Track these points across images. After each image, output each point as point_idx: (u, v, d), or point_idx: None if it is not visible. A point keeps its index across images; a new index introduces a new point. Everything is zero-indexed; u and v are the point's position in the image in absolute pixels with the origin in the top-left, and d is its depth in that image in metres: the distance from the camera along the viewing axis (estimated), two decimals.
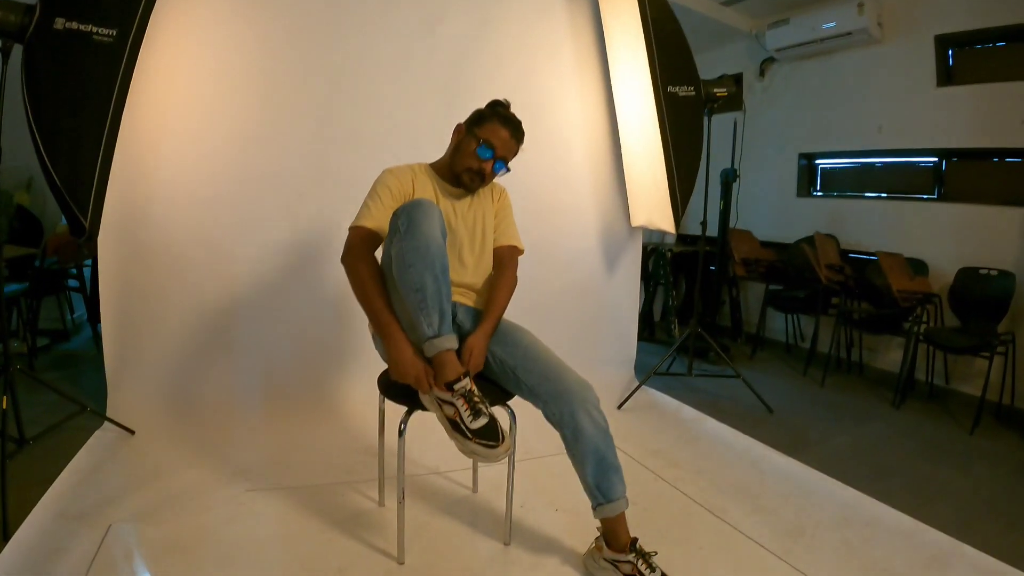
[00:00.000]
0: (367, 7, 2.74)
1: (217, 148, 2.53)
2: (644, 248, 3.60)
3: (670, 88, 2.81)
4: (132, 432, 2.31)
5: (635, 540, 1.52)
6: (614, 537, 1.52)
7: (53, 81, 2.00)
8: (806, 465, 2.37)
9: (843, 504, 2.07)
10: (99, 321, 3.38)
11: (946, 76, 3.80)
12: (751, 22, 4.71)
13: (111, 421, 2.32)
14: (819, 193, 4.59)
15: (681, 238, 4.78)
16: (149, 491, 1.92)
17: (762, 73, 4.78)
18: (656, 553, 1.53)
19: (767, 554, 1.73)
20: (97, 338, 3.60)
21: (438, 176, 1.72)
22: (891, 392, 3.36)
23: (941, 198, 3.91)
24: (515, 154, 1.73)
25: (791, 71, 4.62)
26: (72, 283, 3.71)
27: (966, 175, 3.83)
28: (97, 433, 2.29)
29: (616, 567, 1.51)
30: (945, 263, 3.62)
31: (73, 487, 1.92)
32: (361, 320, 2.60)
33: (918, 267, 3.65)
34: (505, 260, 1.74)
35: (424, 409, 1.49)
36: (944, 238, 3.73)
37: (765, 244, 4.43)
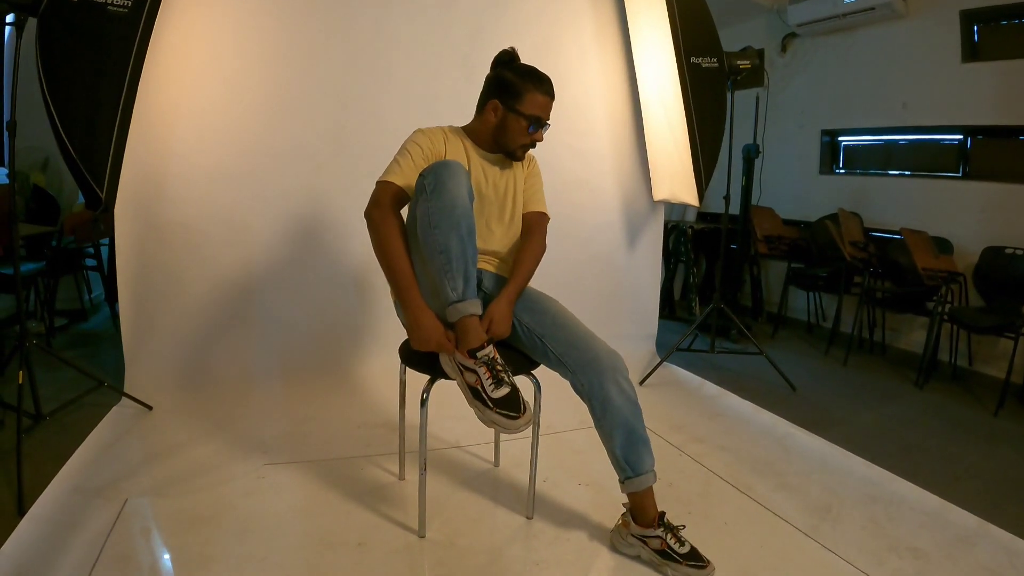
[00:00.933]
0: None
1: (234, 123, 2.47)
2: (664, 225, 3.51)
3: (693, 59, 2.72)
4: (150, 408, 2.29)
5: (663, 514, 1.46)
6: (642, 512, 1.46)
7: (68, 54, 1.96)
8: (831, 443, 2.30)
9: (868, 482, 2.01)
10: (116, 300, 3.37)
11: (971, 52, 3.66)
12: None
13: (128, 396, 2.29)
14: (842, 170, 4.46)
15: (701, 216, 4.67)
16: (167, 465, 1.89)
17: (784, 49, 4.64)
18: (684, 527, 1.47)
19: (794, 531, 1.67)
20: (115, 317, 3.58)
21: (467, 140, 1.64)
22: (914, 372, 3.26)
23: (966, 176, 3.78)
24: (551, 107, 1.64)
25: (813, 47, 4.48)
26: (90, 262, 3.69)
27: (992, 153, 3.70)
28: (115, 409, 2.26)
29: (644, 543, 1.46)
30: (970, 242, 3.51)
31: (90, 462, 1.89)
32: (380, 293, 2.57)
33: (943, 246, 3.55)
34: (534, 226, 1.68)
35: (447, 377, 1.43)
36: (969, 217, 3.61)
37: (787, 222, 4.32)
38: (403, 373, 1.73)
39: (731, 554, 1.52)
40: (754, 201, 4.37)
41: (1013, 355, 2.88)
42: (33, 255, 3.18)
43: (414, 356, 1.50)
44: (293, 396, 2.47)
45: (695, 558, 1.41)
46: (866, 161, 4.36)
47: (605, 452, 1.49)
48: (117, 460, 1.92)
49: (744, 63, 2.91)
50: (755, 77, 3.92)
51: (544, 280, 2.09)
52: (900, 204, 3.97)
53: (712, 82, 2.80)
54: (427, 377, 1.48)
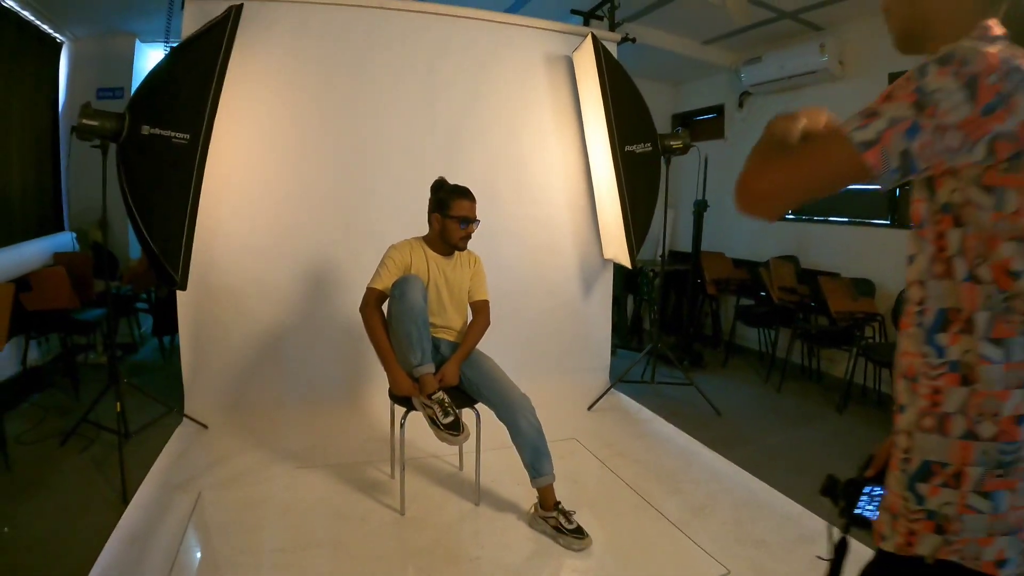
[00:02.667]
0: (381, 90, 3.62)
1: (265, 210, 3.45)
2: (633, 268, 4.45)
3: (627, 147, 3.61)
4: (206, 426, 3.25)
5: (558, 502, 2.36)
6: (544, 500, 2.37)
7: (144, 172, 2.86)
8: (728, 460, 3.15)
9: (748, 491, 2.82)
10: (164, 334, 4.38)
11: None
12: (730, 58, 5.45)
13: (189, 418, 3.26)
14: (791, 216, 5.33)
15: (674, 256, 5.58)
16: (225, 468, 2.84)
17: (741, 104, 5.53)
18: (575, 512, 2.37)
19: (667, 523, 2.50)
20: (162, 349, 4.59)
21: (429, 247, 2.58)
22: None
23: (893, 224, 4.60)
24: (475, 207, 2.55)
25: (765, 103, 5.36)
26: (140, 305, 4.70)
27: None
28: (179, 428, 3.23)
29: (546, 521, 2.36)
30: (892, 284, 4.34)
31: (169, 466, 2.85)
32: None
33: (867, 287, 4.39)
34: (479, 310, 2.61)
35: (415, 410, 2.38)
36: (893, 261, 4.42)
37: (740, 262, 5.19)
38: (392, 406, 2.67)
39: (612, 534, 2.39)
40: (712, 245, 5.27)
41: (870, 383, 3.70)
42: (98, 302, 4.19)
43: (396, 396, 2.44)
44: (314, 417, 3.42)
45: (578, 532, 2.30)
46: (812, 208, 5.23)
47: None
48: (188, 464, 2.87)
49: (676, 143, 3.80)
50: (717, 131, 4.80)
51: (515, 326, 3.37)
52: (837, 248, 4.79)
53: (646, 164, 3.70)
54: (403, 408, 2.42)
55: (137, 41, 5.20)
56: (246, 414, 3.38)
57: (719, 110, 5.82)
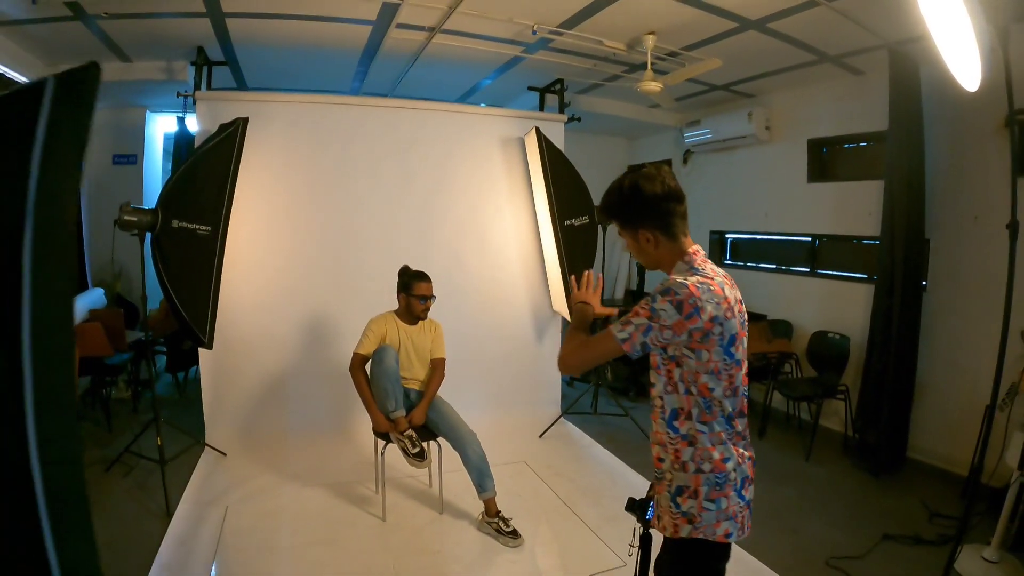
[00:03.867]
0: (362, 173, 4.67)
1: (270, 276, 4.48)
2: None
3: (567, 222, 4.65)
4: (224, 454, 4.26)
5: (499, 511, 3.36)
6: (488, 509, 3.37)
7: (176, 257, 3.84)
8: (646, 479, 4.14)
9: None
10: (177, 370, 5.40)
11: (817, 173, 5.48)
12: (675, 118, 6.53)
13: (210, 447, 4.27)
14: (728, 262, 6.39)
15: (632, 295, 6.64)
16: (244, 487, 3.85)
17: (685, 160, 6.59)
18: (512, 518, 3.38)
19: (585, 528, 3.50)
20: (177, 385, 5.60)
21: (399, 319, 3.60)
22: (767, 426, 5.04)
23: (812, 272, 5.62)
24: (432, 288, 3.56)
25: (705, 161, 6.43)
26: (159, 348, 5.71)
27: (832, 253, 5.45)
28: (203, 456, 4.24)
29: (489, 525, 3.37)
30: (809, 325, 5.35)
31: (199, 486, 3.85)
32: None
33: (786, 328, 5.42)
34: (436, 367, 3.63)
35: (391, 443, 3.39)
36: (812, 305, 5.43)
37: None
38: (375, 439, 3.68)
39: (540, 535, 3.40)
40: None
41: (817, 415, 4.60)
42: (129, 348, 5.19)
43: (376, 432, 3.46)
44: (313, 445, 4.43)
45: (514, 534, 3.30)
46: (747, 255, 6.29)
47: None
48: (214, 485, 3.87)
49: None
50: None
51: (479, 366, 4.52)
52: (766, 292, 5.83)
53: (584, 234, 4.74)
54: (383, 442, 3.45)
55: (147, 112, 6.22)
56: (257, 443, 4.40)
57: (668, 163, 6.89)
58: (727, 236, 6.41)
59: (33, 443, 0.68)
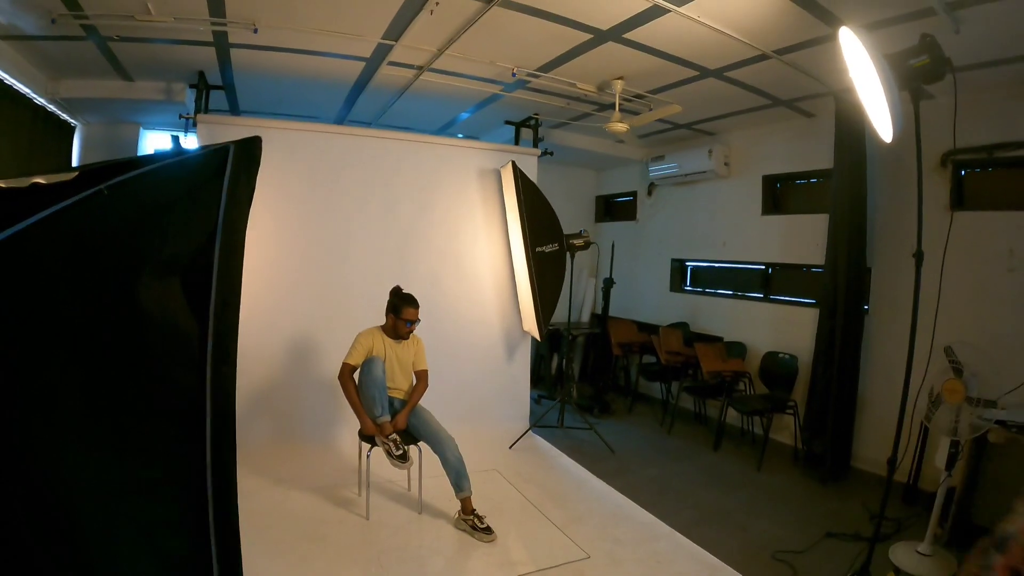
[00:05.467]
0: (350, 199, 5.09)
1: (259, 294, 4.80)
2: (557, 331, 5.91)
3: (538, 248, 5.12)
4: None
5: (475, 510, 3.74)
6: (464, 507, 3.75)
7: None
8: (610, 486, 4.57)
9: (616, 506, 4.24)
10: None
11: (770, 206, 6.07)
12: (641, 152, 7.10)
13: None
14: (688, 288, 6.93)
15: (598, 318, 7.12)
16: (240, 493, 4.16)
17: (649, 192, 7.15)
18: (486, 516, 3.76)
19: (552, 526, 3.89)
20: None
21: (385, 334, 3.99)
22: (722, 440, 5.54)
23: (765, 298, 6.18)
24: (418, 312, 3.98)
25: (668, 193, 7.00)
26: None
27: (783, 280, 6.05)
28: None
29: (465, 522, 3.75)
30: (761, 346, 5.89)
31: None
32: None
33: (738, 349, 5.94)
34: (420, 377, 4.03)
35: (375, 445, 3.76)
36: (764, 328, 5.98)
37: (645, 327, 6.74)
38: (360, 443, 4.04)
39: (511, 532, 3.78)
40: (624, 311, 6.82)
41: (767, 429, 5.12)
42: None
43: (363, 436, 3.83)
44: (299, 452, 4.75)
45: (488, 530, 3.68)
46: (705, 282, 6.84)
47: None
48: None
49: (578, 242, 5.34)
50: (630, 213, 6.36)
51: (454, 382, 4.85)
52: (723, 316, 6.37)
53: (554, 260, 5.22)
54: (368, 445, 3.81)
55: (141, 128, 6.53)
56: (248, 450, 4.64)
57: (634, 194, 7.45)
58: (687, 264, 6.95)
59: (208, 382, 1.08)
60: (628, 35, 3.84)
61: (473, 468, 3.89)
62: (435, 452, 3.81)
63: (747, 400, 5.54)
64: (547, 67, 4.54)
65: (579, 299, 7.72)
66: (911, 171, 4.69)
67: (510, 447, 5.24)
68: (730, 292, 6.52)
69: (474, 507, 3.76)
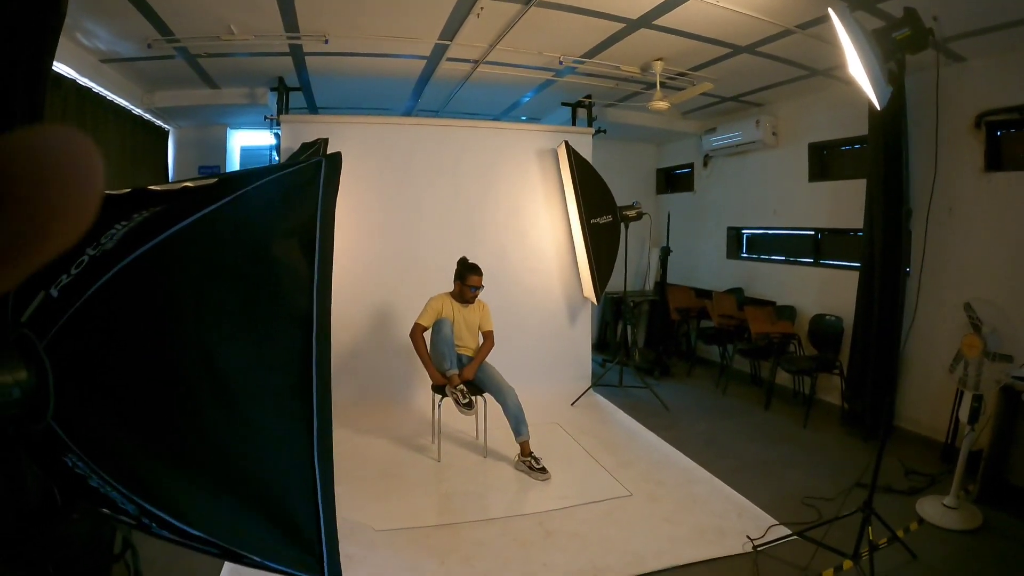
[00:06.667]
0: (421, 182, 5.76)
1: (345, 269, 5.54)
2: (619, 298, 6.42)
3: (592, 220, 5.60)
4: None
5: (532, 452, 4.33)
6: (523, 450, 4.36)
7: None
8: (660, 438, 5.05)
9: (663, 455, 4.73)
10: None
11: (817, 173, 6.28)
12: (696, 126, 7.41)
13: None
14: (745, 255, 7.22)
15: (659, 286, 7.54)
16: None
17: (705, 164, 7.45)
18: (542, 459, 4.33)
19: (602, 470, 4.45)
20: None
21: (453, 299, 4.60)
22: (774, 399, 5.89)
23: (815, 262, 6.41)
24: (482, 279, 4.57)
25: (723, 164, 7.29)
26: None
27: (832, 245, 6.24)
28: None
29: (523, 463, 4.34)
30: (811, 309, 6.15)
31: None
32: None
33: (788, 312, 6.22)
34: (488, 337, 4.65)
35: (445, 396, 4.39)
36: (814, 292, 6.23)
37: (702, 292, 7.10)
38: (433, 396, 4.68)
39: (564, 473, 4.36)
40: (683, 279, 7.19)
41: (812, 388, 5.48)
42: None
43: (434, 387, 4.47)
44: (380, 409, 5.50)
45: (543, 471, 4.27)
46: (760, 248, 7.11)
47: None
48: None
49: (631, 213, 5.77)
50: (687, 184, 6.75)
51: (520, 345, 5.49)
52: (775, 281, 6.65)
53: (608, 231, 5.69)
54: (439, 396, 4.45)
55: (228, 128, 7.40)
56: (337, 407, 5.43)
57: (691, 166, 7.77)
58: (743, 231, 7.23)
59: (315, 348, 1.63)
60: (658, 21, 4.25)
61: (536, 421, 4.52)
62: (497, 401, 4.40)
63: (794, 360, 5.85)
64: (590, 53, 4.99)
65: (642, 268, 8.13)
66: (946, 132, 4.86)
67: (572, 404, 5.79)
68: (782, 258, 6.77)
69: (531, 450, 4.34)
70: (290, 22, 4.37)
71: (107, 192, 1.62)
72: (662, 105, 5.13)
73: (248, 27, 4.45)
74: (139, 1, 3.91)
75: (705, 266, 7.49)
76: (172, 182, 1.66)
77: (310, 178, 1.67)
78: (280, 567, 1.54)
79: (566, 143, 5.66)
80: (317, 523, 1.57)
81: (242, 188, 1.51)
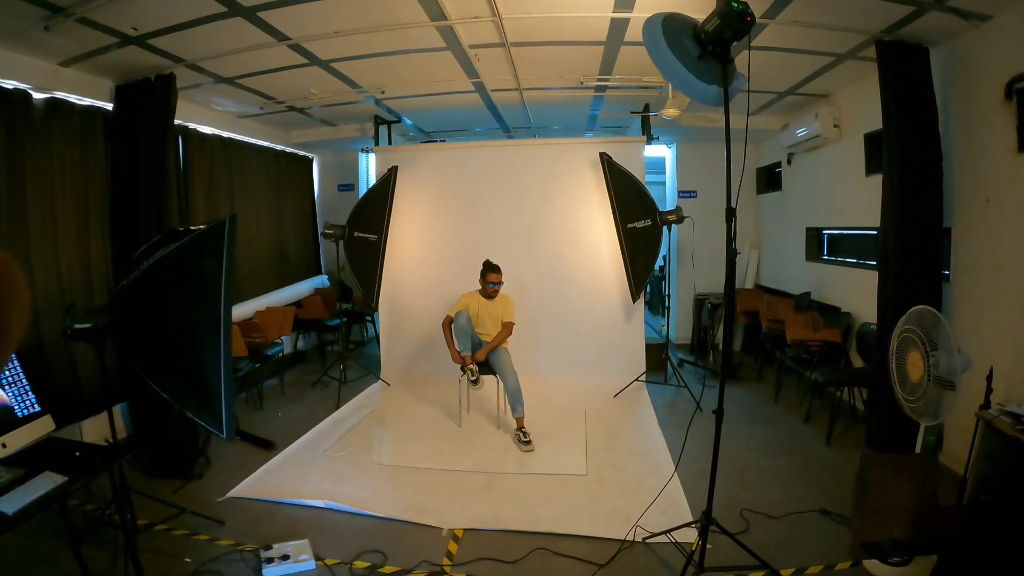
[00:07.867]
0: (486, 196, 6.98)
1: (419, 267, 6.89)
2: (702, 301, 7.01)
3: (629, 225, 6.19)
4: (389, 384, 6.74)
5: (523, 427, 5.22)
6: (517, 424, 5.29)
7: (356, 255, 6.56)
8: (662, 433, 5.37)
9: (650, 446, 5.15)
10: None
11: (874, 166, 5.52)
12: (776, 122, 7.36)
13: (382, 380, 6.79)
14: (825, 257, 6.96)
15: (762, 289, 7.74)
16: (388, 402, 6.28)
17: (789, 161, 7.42)
18: (530, 432, 5.17)
19: (581, 451, 5.09)
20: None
21: (480, 295, 5.62)
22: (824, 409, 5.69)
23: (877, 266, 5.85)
24: (501, 276, 5.53)
25: (801, 161, 7.14)
26: (368, 319, 8.49)
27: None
28: (375, 384, 6.80)
29: (516, 435, 5.23)
30: (864, 316, 5.66)
31: (363, 401, 6.35)
32: None
33: (846, 320, 5.94)
34: (505, 327, 5.61)
35: (463, 372, 5.47)
36: (870, 296, 5.14)
37: (781, 294, 7.17)
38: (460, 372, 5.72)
39: (546, 449, 5.15)
40: (771, 282, 7.37)
41: (838, 402, 5.25)
42: (339, 315, 7.93)
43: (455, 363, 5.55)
44: (441, 384, 6.66)
45: (528, 443, 5.13)
46: (835, 251, 6.75)
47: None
48: (371, 399, 6.41)
49: (672, 217, 6.22)
50: (776, 184, 7.02)
51: (574, 339, 6.71)
52: (842, 286, 6.31)
53: (646, 235, 6.23)
54: (461, 373, 5.55)
55: (359, 152, 9.11)
56: (411, 380, 6.93)
57: (779, 164, 7.77)
58: (823, 232, 6.97)
59: (222, 308, 2.92)
60: (627, 38, 4.63)
61: (568, 406, 5.79)
62: (500, 380, 5.37)
63: (824, 371, 5.43)
64: (603, 69, 5.47)
65: (741, 269, 8.27)
66: (980, 114, 4.23)
67: (615, 396, 6.42)
68: (853, 260, 6.39)
69: (523, 426, 5.23)
70: (350, 82, 5.78)
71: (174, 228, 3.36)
72: (673, 112, 5.56)
73: (324, 88, 5.92)
74: (241, 85, 5.58)
75: (789, 268, 7.47)
76: (181, 228, 3.47)
77: (220, 225, 3.06)
78: (203, 423, 3.06)
79: (600, 155, 6.33)
80: (219, 401, 3.00)
81: (194, 234, 3.07)
